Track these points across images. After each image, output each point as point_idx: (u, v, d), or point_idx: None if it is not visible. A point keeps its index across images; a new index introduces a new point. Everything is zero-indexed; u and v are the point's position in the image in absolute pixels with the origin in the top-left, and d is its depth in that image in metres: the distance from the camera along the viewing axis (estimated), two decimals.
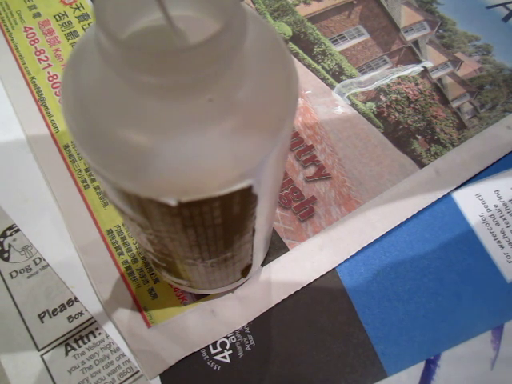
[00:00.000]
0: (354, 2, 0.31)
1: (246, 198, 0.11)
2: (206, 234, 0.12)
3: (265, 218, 0.15)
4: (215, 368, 0.20)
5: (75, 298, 0.21)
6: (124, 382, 0.20)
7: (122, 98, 0.09)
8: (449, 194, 0.25)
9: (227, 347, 0.20)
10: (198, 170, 0.10)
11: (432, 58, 0.29)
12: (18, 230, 0.23)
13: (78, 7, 0.29)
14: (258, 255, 0.19)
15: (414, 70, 0.29)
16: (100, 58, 0.09)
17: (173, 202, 0.10)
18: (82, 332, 0.20)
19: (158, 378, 0.20)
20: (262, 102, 0.10)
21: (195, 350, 0.20)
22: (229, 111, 0.09)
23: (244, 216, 0.12)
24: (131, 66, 0.09)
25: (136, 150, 0.09)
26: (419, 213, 0.24)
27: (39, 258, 0.22)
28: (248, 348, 0.20)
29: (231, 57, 0.09)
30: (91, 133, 0.10)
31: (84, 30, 0.29)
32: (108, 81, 0.10)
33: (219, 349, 0.20)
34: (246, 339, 0.21)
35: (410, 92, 0.28)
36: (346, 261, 0.22)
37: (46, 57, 0.27)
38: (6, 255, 0.22)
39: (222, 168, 0.10)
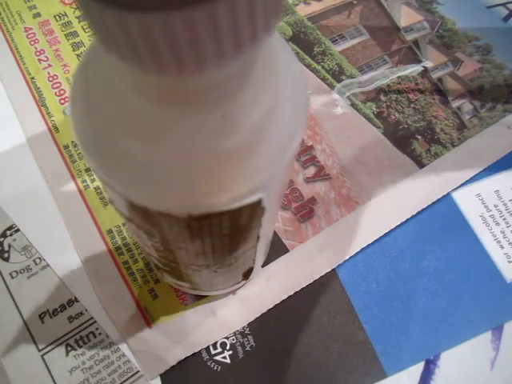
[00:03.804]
0: (354, 1, 0.31)
1: (254, 211, 0.11)
2: (213, 243, 0.12)
3: (269, 224, 0.15)
4: (215, 368, 0.20)
5: (75, 298, 0.21)
6: (124, 382, 0.20)
7: (135, 112, 0.09)
8: (449, 193, 0.25)
9: (227, 347, 0.20)
10: (208, 184, 0.10)
11: (432, 58, 0.29)
12: (17, 230, 0.23)
13: (78, 7, 0.29)
14: (260, 258, 0.19)
15: (413, 69, 0.29)
16: (112, 67, 0.09)
17: (183, 216, 0.10)
18: (83, 332, 0.20)
19: (159, 378, 0.20)
20: (275, 119, 0.10)
21: (196, 350, 0.20)
22: (241, 128, 0.09)
23: (251, 226, 0.12)
24: (142, 80, 0.08)
25: (147, 163, 0.09)
26: (419, 213, 0.24)
27: (39, 258, 0.22)
28: (248, 348, 0.21)
29: (243, 76, 0.09)
30: (102, 146, 0.10)
31: (84, 30, 0.29)
32: (120, 93, 0.09)
33: (219, 349, 0.20)
34: (246, 340, 0.21)
35: (410, 92, 0.28)
36: (345, 261, 0.22)
37: (46, 57, 0.27)
38: (6, 255, 0.22)
39: (233, 183, 0.10)
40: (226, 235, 0.12)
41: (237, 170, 0.10)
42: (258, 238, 0.14)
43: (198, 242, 0.12)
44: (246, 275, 0.19)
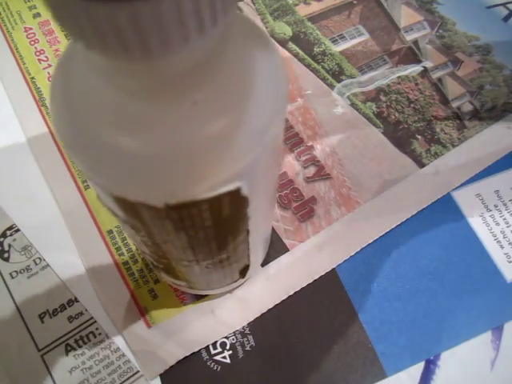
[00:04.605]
0: (354, 1, 0.31)
1: (235, 200, 0.11)
2: (198, 236, 0.12)
3: (260, 218, 0.15)
4: (215, 368, 0.20)
5: (75, 298, 0.21)
6: (124, 382, 0.20)
7: (107, 102, 0.09)
8: (449, 193, 0.25)
9: (227, 347, 0.20)
10: (183, 173, 0.10)
11: (432, 58, 0.29)
12: (17, 230, 0.23)
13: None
14: (257, 256, 0.19)
15: (413, 69, 0.29)
16: (87, 63, 0.09)
17: (160, 205, 0.10)
18: (82, 332, 0.20)
19: (159, 378, 0.20)
20: (248, 104, 0.10)
21: (195, 350, 0.20)
22: (214, 114, 0.09)
23: (235, 217, 0.12)
24: (113, 70, 0.09)
25: (122, 153, 0.09)
26: (419, 213, 0.24)
27: (39, 258, 0.22)
28: (248, 348, 0.21)
29: (214, 60, 0.09)
30: (79, 137, 0.10)
31: None
32: (93, 85, 0.10)
33: (219, 349, 0.20)
34: (245, 339, 0.21)
35: (410, 92, 0.28)
36: (345, 261, 0.22)
37: (46, 57, 0.28)
38: (6, 255, 0.22)
39: (208, 170, 0.10)
40: (210, 227, 0.12)
41: (211, 157, 0.10)
42: (248, 231, 0.14)
43: (182, 234, 0.12)
44: (243, 273, 0.19)
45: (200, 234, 0.12)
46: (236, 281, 0.20)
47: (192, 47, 0.08)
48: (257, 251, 0.18)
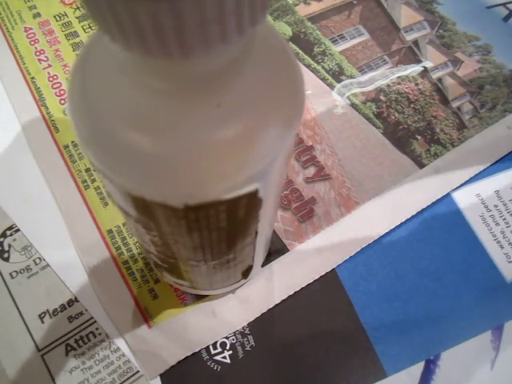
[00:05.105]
0: (354, 1, 0.31)
1: (251, 202, 0.11)
2: (211, 236, 0.12)
3: (267, 220, 0.15)
4: (215, 368, 0.20)
5: (75, 298, 0.21)
6: (124, 382, 0.20)
7: (131, 101, 0.09)
8: (449, 194, 0.25)
9: (227, 347, 0.20)
10: (205, 173, 0.10)
11: (432, 58, 0.29)
12: (17, 230, 0.23)
13: (78, 7, 0.29)
14: (259, 256, 0.19)
15: (413, 69, 0.29)
16: (109, 59, 0.09)
17: (179, 206, 0.10)
18: (82, 332, 0.20)
19: (159, 378, 0.20)
20: (270, 106, 0.10)
21: (195, 350, 0.20)
22: (236, 116, 0.09)
23: (248, 219, 0.12)
24: (141, 70, 0.09)
25: (143, 153, 0.09)
26: (419, 213, 0.24)
27: (39, 258, 0.22)
28: (248, 348, 0.21)
29: (239, 64, 0.09)
30: (99, 135, 0.10)
31: (84, 30, 0.29)
32: (116, 83, 0.09)
33: (219, 349, 0.20)
34: (246, 339, 0.21)
35: (410, 92, 0.28)
36: (345, 261, 0.22)
37: (46, 57, 0.27)
38: (6, 255, 0.22)
39: (229, 172, 0.10)
40: (224, 228, 0.12)
41: (232, 159, 0.10)
42: (257, 233, 0.14)
43: (196, 234, 0.12)
44: (246, 274, 0.19)
45: (213, 234, 0.12)
46: (238, 281, 0.20)
47: (229, 48, 0.08)
48: (260, 252, 0.18)
